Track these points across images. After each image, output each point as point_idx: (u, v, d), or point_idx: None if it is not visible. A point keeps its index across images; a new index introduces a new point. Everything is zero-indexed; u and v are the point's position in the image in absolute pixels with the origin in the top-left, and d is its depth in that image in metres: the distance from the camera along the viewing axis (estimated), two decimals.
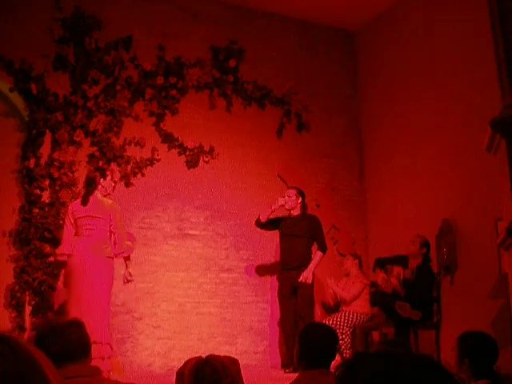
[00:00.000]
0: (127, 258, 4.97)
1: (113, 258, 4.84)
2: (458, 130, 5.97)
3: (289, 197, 6.06)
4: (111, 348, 4.68)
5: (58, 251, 5.06)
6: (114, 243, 4.83)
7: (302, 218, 6.03)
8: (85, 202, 4.86)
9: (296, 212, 6.06)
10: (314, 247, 6.02)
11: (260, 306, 6.56)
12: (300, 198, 6.07)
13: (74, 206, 4.96)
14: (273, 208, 6.00)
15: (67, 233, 4.89)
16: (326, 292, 6.53)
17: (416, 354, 0.99)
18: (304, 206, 6.11)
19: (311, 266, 5.84)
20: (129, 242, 5.01)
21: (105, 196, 4.99)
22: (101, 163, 6.11)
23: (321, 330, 3.01)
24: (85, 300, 4.59)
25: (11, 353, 0.86)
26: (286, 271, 5.94)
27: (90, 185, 4.96)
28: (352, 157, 7.49)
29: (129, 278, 4.99)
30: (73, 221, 4.86)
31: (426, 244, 5.77)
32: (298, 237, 5.92)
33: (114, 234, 4.82)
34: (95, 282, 4.64)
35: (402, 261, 5.96)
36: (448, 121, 6.14)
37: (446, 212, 6.03)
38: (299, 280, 5.75)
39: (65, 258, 4.84)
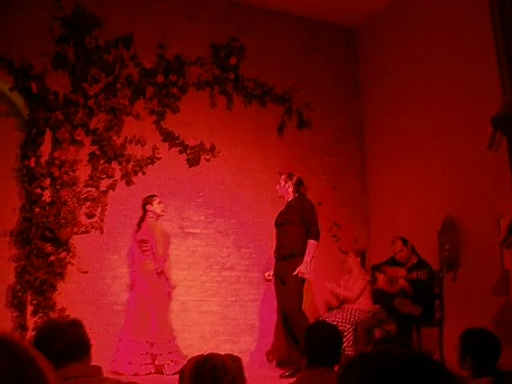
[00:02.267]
0: (161, 273, 5.60)
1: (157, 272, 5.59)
2: (460, 126, 5.94)
3: (279, 184, 5.72)
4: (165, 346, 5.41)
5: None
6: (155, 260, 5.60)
7: (295, 204, 5.52)
8: (138, 229, 5.73)
9: (289, 198, 5.61)
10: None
11: (262, 304, 6.55)
12: (289, 182, 5.60)
13: (135, 232, 5.85)
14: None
15: (132, 254, 5.92)
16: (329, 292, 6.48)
17: (412, 351, 0.98)
18: (297, 190, 5.57)
19: (306, 258, 5.29)
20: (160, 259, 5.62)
21: (157, 219, 5.75)
22: (101, 162, 6.12)
23: (325, 329, 3.00)
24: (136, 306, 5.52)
25: (10, 354, 0.85)
26: (276, 261, 5.56)
27: (143, 212, 5.79)
28: (353, 154, 7.47)
29: (168, 289, 5.73)
30: (136, 245, 5.75)
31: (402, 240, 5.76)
32: (288, 224, 5.44)
33: (154, 253, 5.58)
34: (142, 293, 5.52)
35: (396, 262, 5.85)
36: (449, 118, 6.12)
37: (448, 209, 6.01)
38: (294, 273, 5.26)
39: (133, 274, 5.82)
